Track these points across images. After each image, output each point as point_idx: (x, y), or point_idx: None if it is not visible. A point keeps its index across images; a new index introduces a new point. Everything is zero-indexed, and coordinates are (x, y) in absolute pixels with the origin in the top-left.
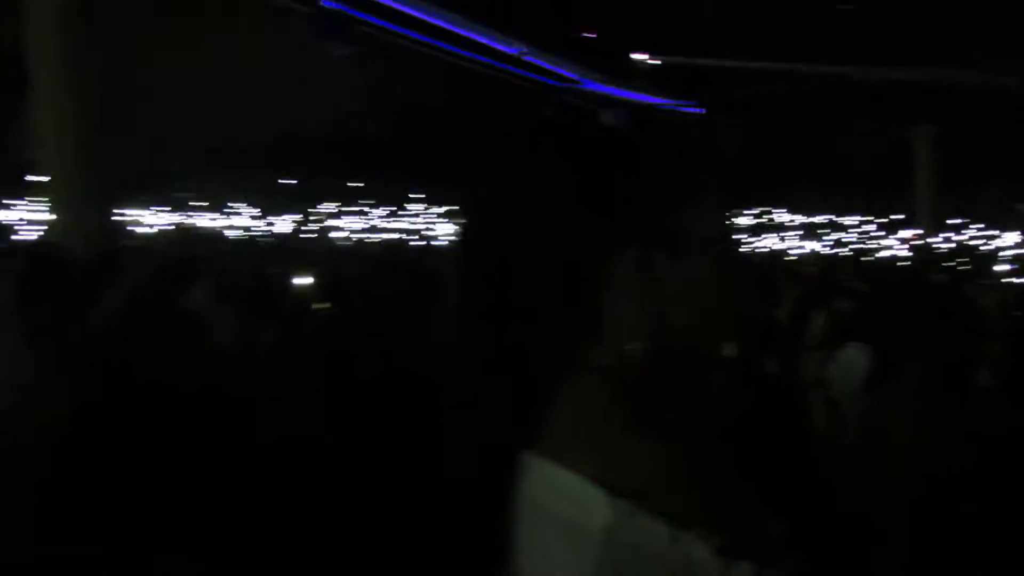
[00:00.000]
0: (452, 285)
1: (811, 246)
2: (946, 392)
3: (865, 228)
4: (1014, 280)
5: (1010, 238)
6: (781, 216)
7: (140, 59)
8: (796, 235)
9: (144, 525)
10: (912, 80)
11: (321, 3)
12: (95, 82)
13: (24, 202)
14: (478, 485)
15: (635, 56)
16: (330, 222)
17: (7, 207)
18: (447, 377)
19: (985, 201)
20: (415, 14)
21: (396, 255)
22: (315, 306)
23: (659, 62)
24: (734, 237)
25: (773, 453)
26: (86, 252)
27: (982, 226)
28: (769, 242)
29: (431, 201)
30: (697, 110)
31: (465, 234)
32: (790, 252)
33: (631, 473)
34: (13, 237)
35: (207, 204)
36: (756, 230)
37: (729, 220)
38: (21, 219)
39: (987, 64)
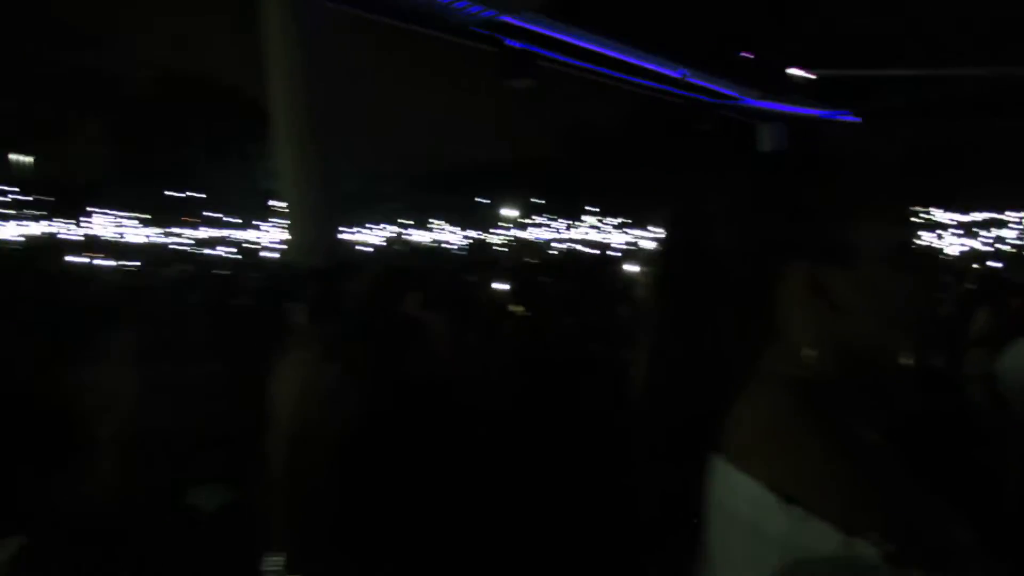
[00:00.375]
0: (637, 292)
1: (971, 244)
2: None
3: None
4: None
5: None
6: (940, 215)
7: (354, 101)
8: (956, 233)
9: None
10: None
11: (505, 42)
12: (321, 121)
13: (268, 223)
14: (669, 487)
15: (791, 71)
16: (517, 233)
17: (256, 228)
18: (636, 379)
19: None
20: (588, 46)
21: (577, 263)
22: (511, 308)
23: (814, 76)
24: (908, 244)
25: (948, 455)
26: (324, 267)
27: None
28: (928, 240)
29: (605, 213)
30: (853, 119)
31: (655, 246)
32: (949, 250)
33: (806, 480)
34: (261, 254)
35: (412, 222)
36: (916, 229)
37: (903, 227)
38: (268, 239)
39: None
